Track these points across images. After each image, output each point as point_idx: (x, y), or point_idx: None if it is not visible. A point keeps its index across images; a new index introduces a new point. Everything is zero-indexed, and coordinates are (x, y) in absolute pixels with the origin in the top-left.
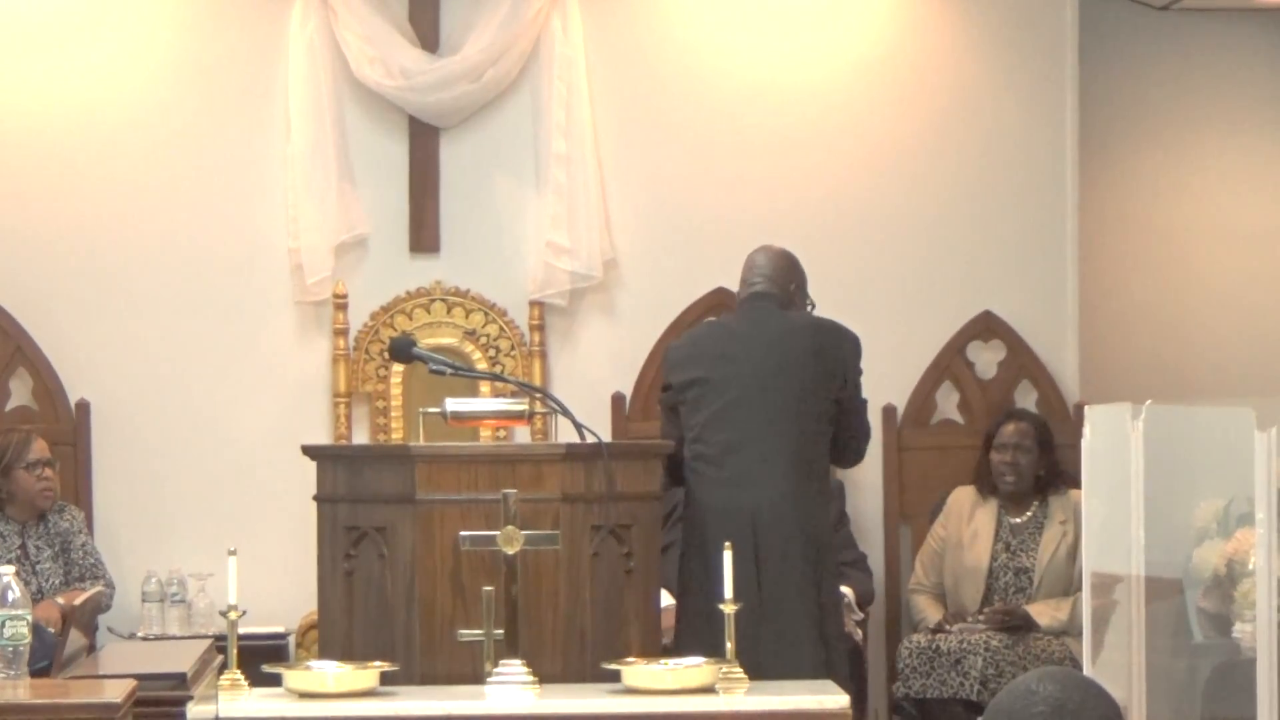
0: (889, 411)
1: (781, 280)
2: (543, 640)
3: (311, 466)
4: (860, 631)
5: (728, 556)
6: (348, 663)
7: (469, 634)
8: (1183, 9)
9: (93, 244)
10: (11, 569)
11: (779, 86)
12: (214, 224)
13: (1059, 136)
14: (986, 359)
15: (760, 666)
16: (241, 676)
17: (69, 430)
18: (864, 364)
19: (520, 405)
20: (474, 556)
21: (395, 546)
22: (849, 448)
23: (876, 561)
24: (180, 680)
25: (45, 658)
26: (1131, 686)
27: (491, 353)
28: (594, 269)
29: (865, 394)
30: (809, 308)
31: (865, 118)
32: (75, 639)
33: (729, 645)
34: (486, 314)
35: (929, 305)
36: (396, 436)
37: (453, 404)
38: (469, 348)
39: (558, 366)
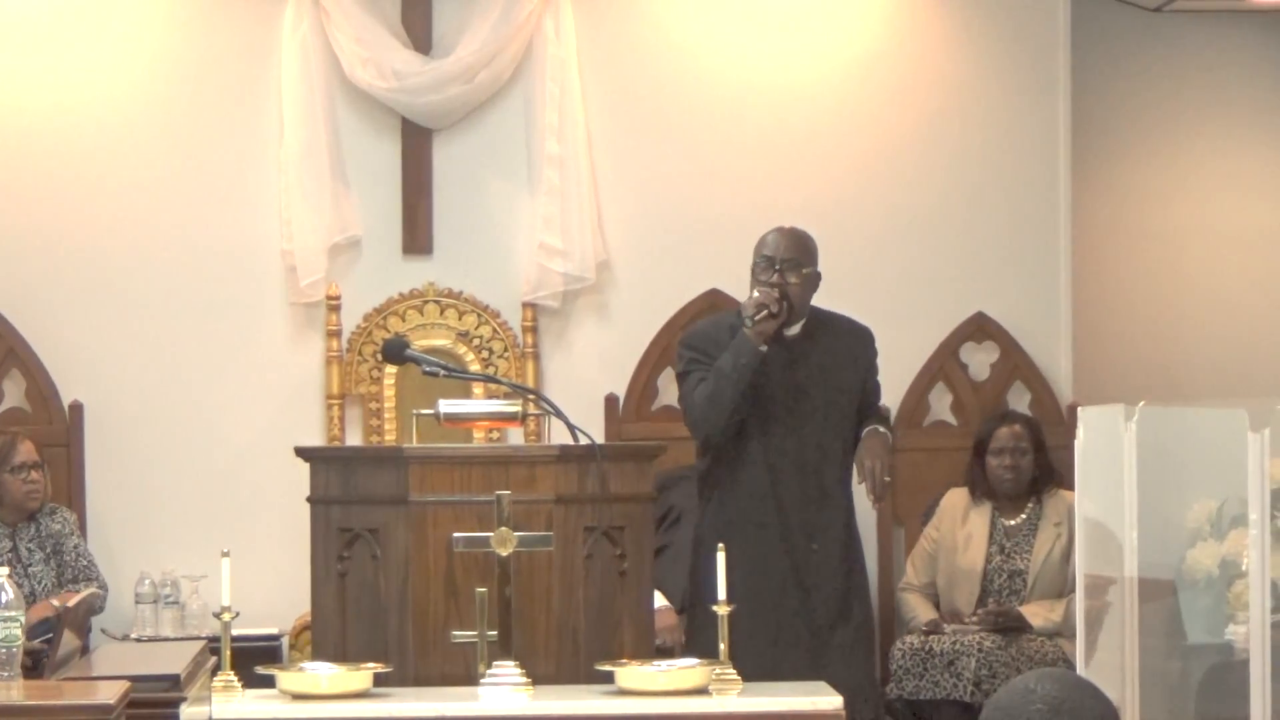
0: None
1: None
2: (536, 642)
3: (304, 468)
4: None
5: (721, 558)
6: (341, 664)
7: (462, 635)
8: (1175, 11)
9: (86, 246)
10: (5, 571)
11: (771, 88)
12: (207, 225)
13: (1052, 138)
14: (979, 360)
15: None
16: (235, 678)
17: (62, 432)
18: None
19: (513, 407)
20: (467, 558)
21: (388, 548)
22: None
23: (870, 563)
24: (174, 682)
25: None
26: (1125, 688)
27: (484, 354)
28: (587, 270)
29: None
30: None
31: (858, 119)
32: (69, 641)
33: (722, 647)
34: (479, 315)
35: (922, 306)
36: (389, 438)
37: (446, 405)
38: (462, 349)
39: (551, 368)
